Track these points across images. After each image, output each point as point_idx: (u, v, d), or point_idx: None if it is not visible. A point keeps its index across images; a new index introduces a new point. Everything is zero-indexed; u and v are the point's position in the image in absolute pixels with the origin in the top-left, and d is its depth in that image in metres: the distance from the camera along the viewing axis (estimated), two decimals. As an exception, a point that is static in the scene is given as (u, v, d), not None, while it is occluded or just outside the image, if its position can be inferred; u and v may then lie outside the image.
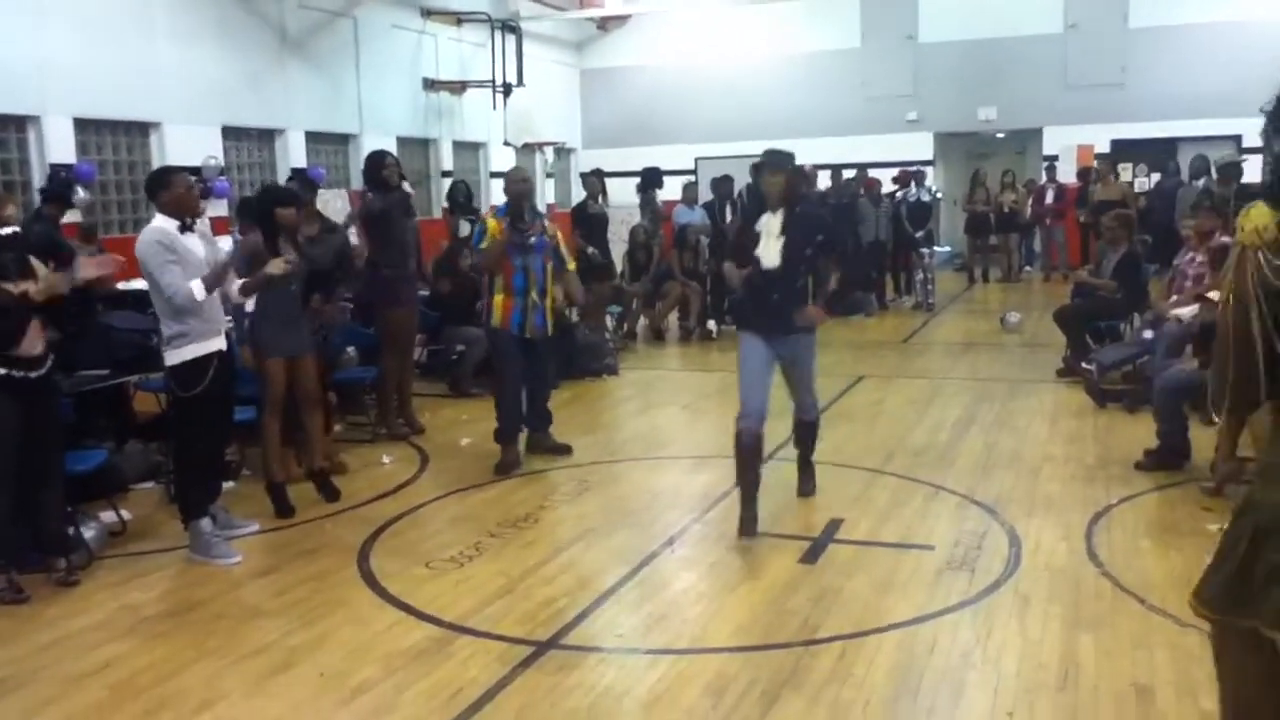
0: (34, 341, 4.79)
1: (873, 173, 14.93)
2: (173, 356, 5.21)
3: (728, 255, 6.02)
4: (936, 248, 14.97)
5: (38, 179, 10.35)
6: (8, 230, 4.81)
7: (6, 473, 4.75)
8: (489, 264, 6.71)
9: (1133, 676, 3.82)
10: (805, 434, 5.99)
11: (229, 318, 5.46)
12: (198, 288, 5.08)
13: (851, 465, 6.68)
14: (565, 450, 7.13)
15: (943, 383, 9.40)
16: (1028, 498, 5.92)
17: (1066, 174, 17.34)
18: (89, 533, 5.37)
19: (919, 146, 19.08)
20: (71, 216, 10.39)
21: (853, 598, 4.60)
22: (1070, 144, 18.17)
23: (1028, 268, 17.94)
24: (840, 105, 19.28)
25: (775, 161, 5.43)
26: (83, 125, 10.86)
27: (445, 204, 11.65)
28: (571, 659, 4.10)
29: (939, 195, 15.70)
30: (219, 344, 5.28)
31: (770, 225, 5.41)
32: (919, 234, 14.19)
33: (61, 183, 10.17)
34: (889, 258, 14.63)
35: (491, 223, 6.67)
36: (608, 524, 5.71)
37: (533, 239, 6.62)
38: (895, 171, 15.16)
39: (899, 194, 14.57)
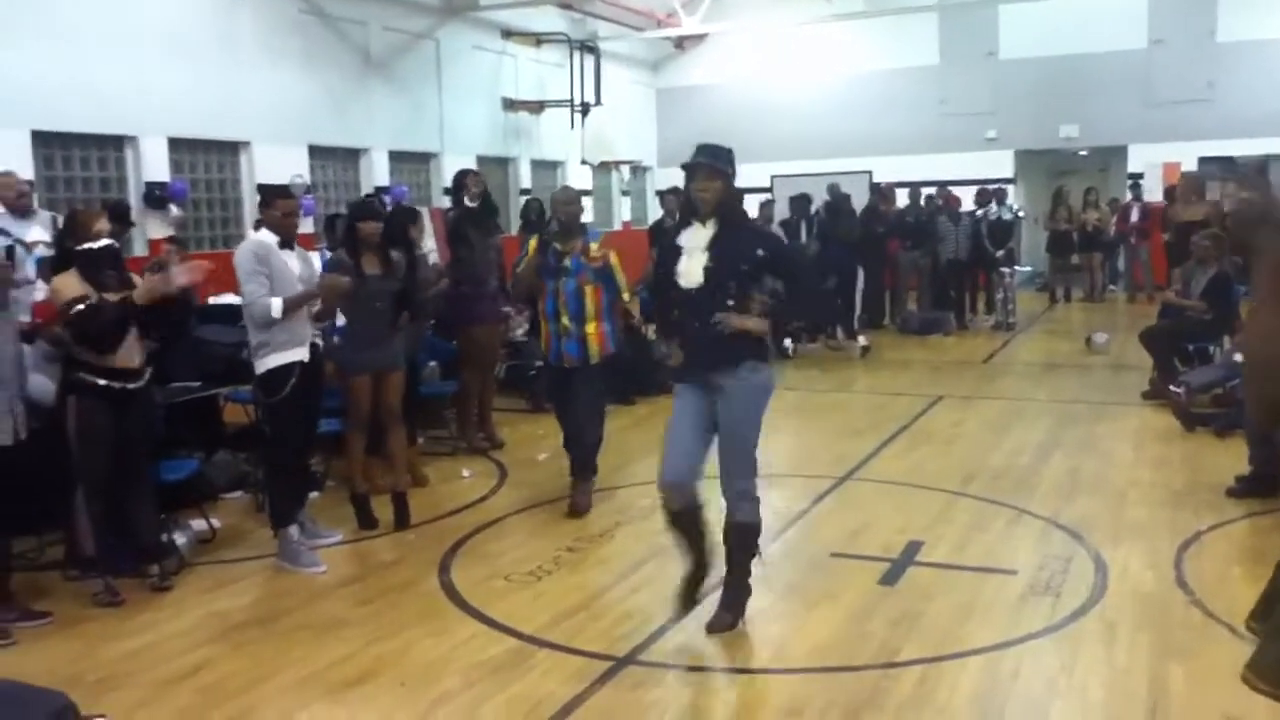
0: (131, 353, 4.95)
1: (954, 190, 14.77)
2: (259, 365, 5.39)
3: (653, 289, 5.38)
4: (1018, 266, 14.74)
5: (134, 196, 10.71)
6: (102, 243, 4.95)
7: (102, 480, 4.93)
8: (519, 287, 6.54)
9: (1224, 708, 3.71)
10: (734, 540, 4.47)
11: (317, 331, 5.59)
12: (276, 305, 5.22)
13: (930, 487, 6.60)
14: (577, 509, 6.26)
15: (1024, 404, 9.24)
16: (1113, 523, 5.79)
17: (1153, 192, 16.96)
18: (181, 540, 5.54)
19: (999, 164, 18.82)
20: (163, 230, 10.76)
21: (933, 621, 4.54)
22: (1156, 162, 17.78)
23: (1111, 287, 17.57)
24: (918, 122, 19.11)
25: (710, 161, 4.46)
26: (176, 145, 11.22)
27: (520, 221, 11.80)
28: (649, 675, 4.11)
29: (1021, 213, 15.47)
30: (301, 354, 5.40)
31: (697, 238, 4.41)
32: (1000, 252, 14.01)
33: (156, 200, 10.54)
34: (968, 276, 14.43)
35: (532, 243, 6.31)
36: (684, 541, 5.70)
37: (567, 261, 6.10)
38: (975, 189, 14.98)
39: (979, 212, 14.38)
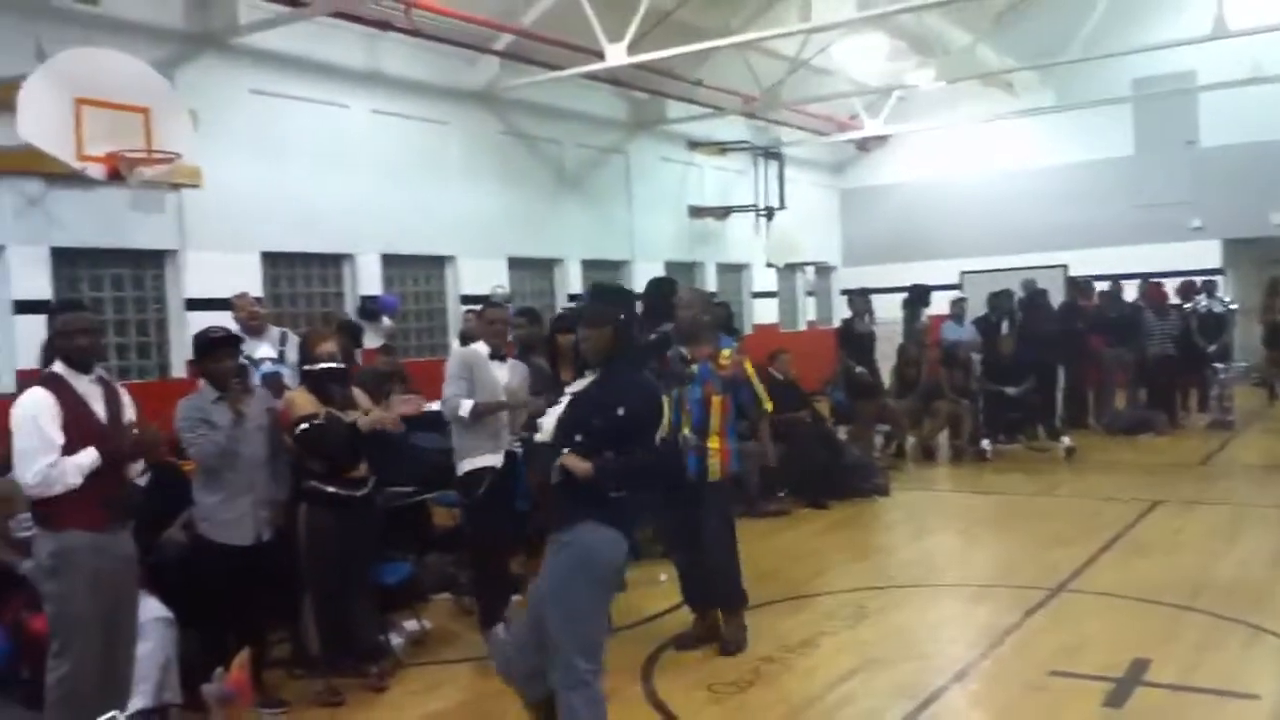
0: (357, 463, 5.25)
1: (1154, 282, 14.16)
2: (459, 468, 5.70)
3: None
4: (1232, 362, 13.91)
5: (350, 310, 11.43)
6: (323, 366, 5.29)
7: (329, 584, 5.19)
8: None
9: None
10: None
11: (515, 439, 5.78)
12: (466, 406, 5.53)
13: (1153, 600, 6.20)
14: (728, 648, 5.63)
15: (1250, 510, 8.63)
16: (1367, 644, 5.32)
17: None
18: (396, 641, 5.75)
19: (1204, 255, 17.90)
20: (376, 341, 11.41)
21: (1169, 748, 4.25)
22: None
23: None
24: (1114, 214, 18.43)
25: (595, 308, 4.30)
26: (388, 260, 11.95)
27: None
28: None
29: (1233, 305, 14.65)
30: (495, 460, 5.64)
31: (574, 388, 4.14)
32: (1212, 347, 13.26)
33: (368, 313, 11.21)
34: (1179, 373, 13.68)
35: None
36: (889, 654, 5.54)
37: (694, 368, 5.62)
38: (1179, 281, 14.32)
39: (1188, 305, 13.70)
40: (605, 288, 4.21)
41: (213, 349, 5.03)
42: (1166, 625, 5.78)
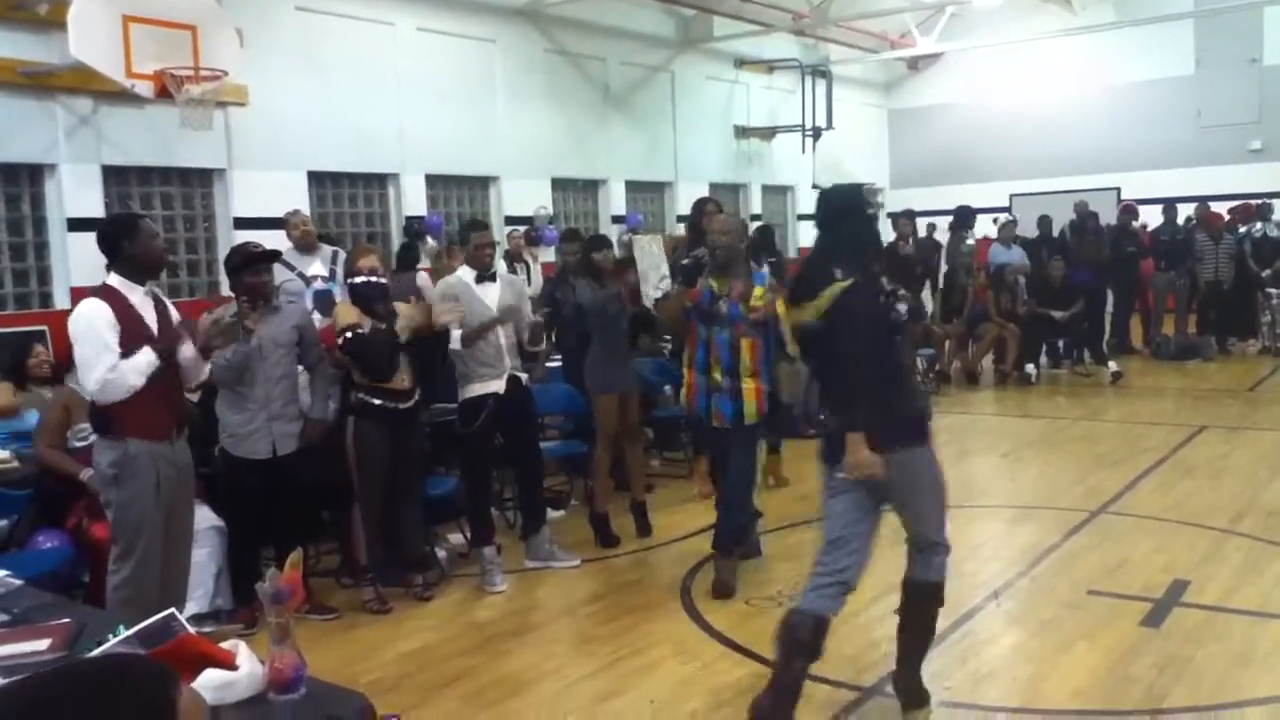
0: (403, 376, 5.34)
1: (1213, 206, 13.83)
2: (460, 394, 5.68)
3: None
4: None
5: (395, 230, 11.50)
6: (361, 279, 5.35)
7: (377, 496, 5.32)
8: (663, 324, 6.05)
9: None
10: None
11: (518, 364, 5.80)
12: (455, 338, 5.50)
13: (1195, 524, 6.19)
14: (718, 589, 5.38)
15: (1299, 436, 8.54)
16: None
17: None
18: (441, 553, 5.89)
19: (1266, 177, 17.43)
20: (421, 261, 11.48)
21: (1205, 668, 4.27)
22: None
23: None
24: (1171, 136, 17.99)
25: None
26: (433, 181, 11.97)
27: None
28: (896, 707, 4.05)
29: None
30: (497, 386, 5.62)
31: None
32: (1266, 272, 12.99)
33: (415, 233, 11.26)
34: (1231, 298, 13.43)
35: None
36: (928, 572, 5.58)
37: (723, 306, 5.27)
38: (1231, 205, 13.98)
39: (1243, 229, 13.40)
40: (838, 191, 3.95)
41: (248, 264, 5.02)
42: (1208, 548, 5.77)
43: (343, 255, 7.27)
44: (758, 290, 5.28)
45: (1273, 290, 13.01)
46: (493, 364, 5.62)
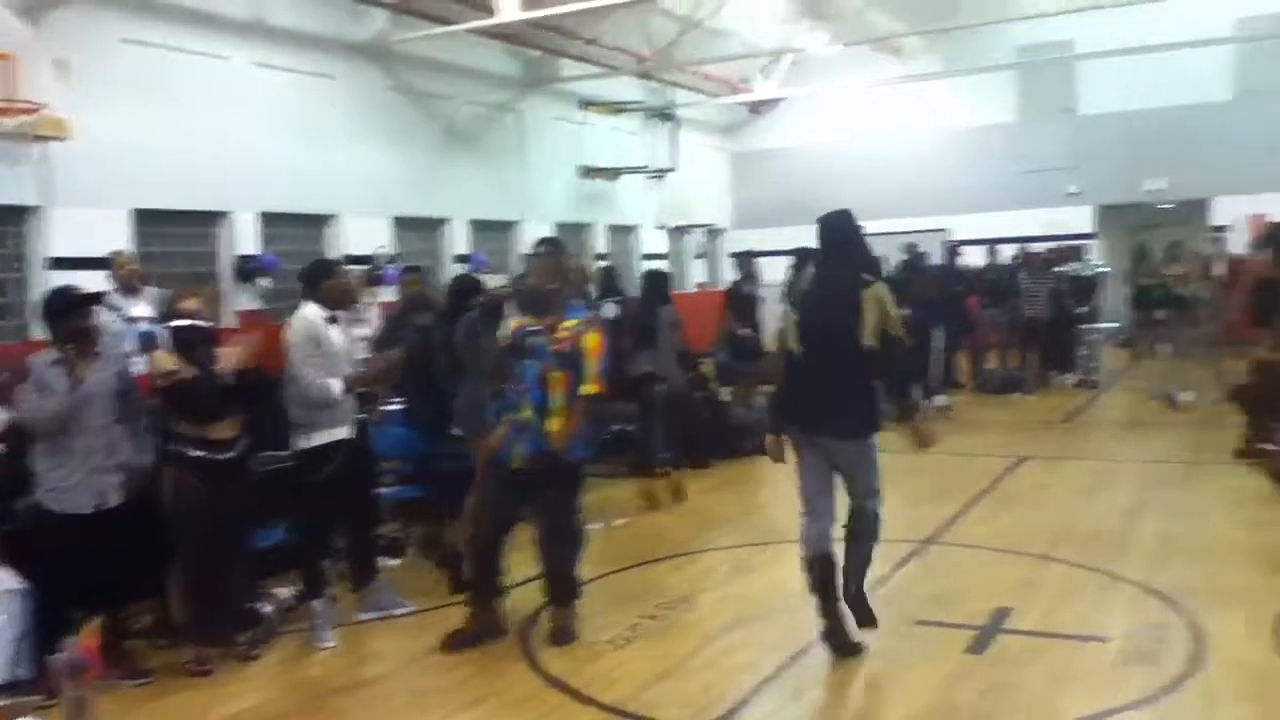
0: (225, 424, 5.11)
1: (1033, 247, 14.62)
2: (300, 442, 5.47)
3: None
4: (1100, 323, 14.46)
5: (226, 270, 11.09)
6: (185, 323, 5.14)
7: (195, 550, 5.06)
8: (492, 370, 5.42)
9: (1337, 787, 3.56)
10: None
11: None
12: (336, 386, 5.34)
13: (1017, 551, 6.45)
14: (560, 638, 5.23)
15: (1111, 465, 9.03)
16: (1210, 589, 5.60)
17: (1239, 245, 16.58)
18: (268, 609, 5.63)
19: (1080, 219, 18.57)
20: (254, 303, 11.12)
21: (1026, 691, 4.44)
22: (1241, 213, 17.40)
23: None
24: (997, 179, 18.97)
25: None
26: (267, 219, 11.61)
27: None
28: (734, 747, 4.07)
29: (1102, 269, 15.23)
30: (345, 432, 5.48)
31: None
32: (1081, 309, 13.76)
33: (247, 273, 10.91)
34: (1049, 334, 14.16)
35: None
36: (766, 608, 5.65)
37: (531, 340, 5.14)
38: (1051, 246, 14.82)
39: (1060, 269, 14.18)
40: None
41: (73, 308, 4.80)
42: (1028, 574, 6.02)
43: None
44: (568, 323, 5.16)
45: (1086, 326, 13.78)
46: (343, 410, 5.46)
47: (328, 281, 5.58)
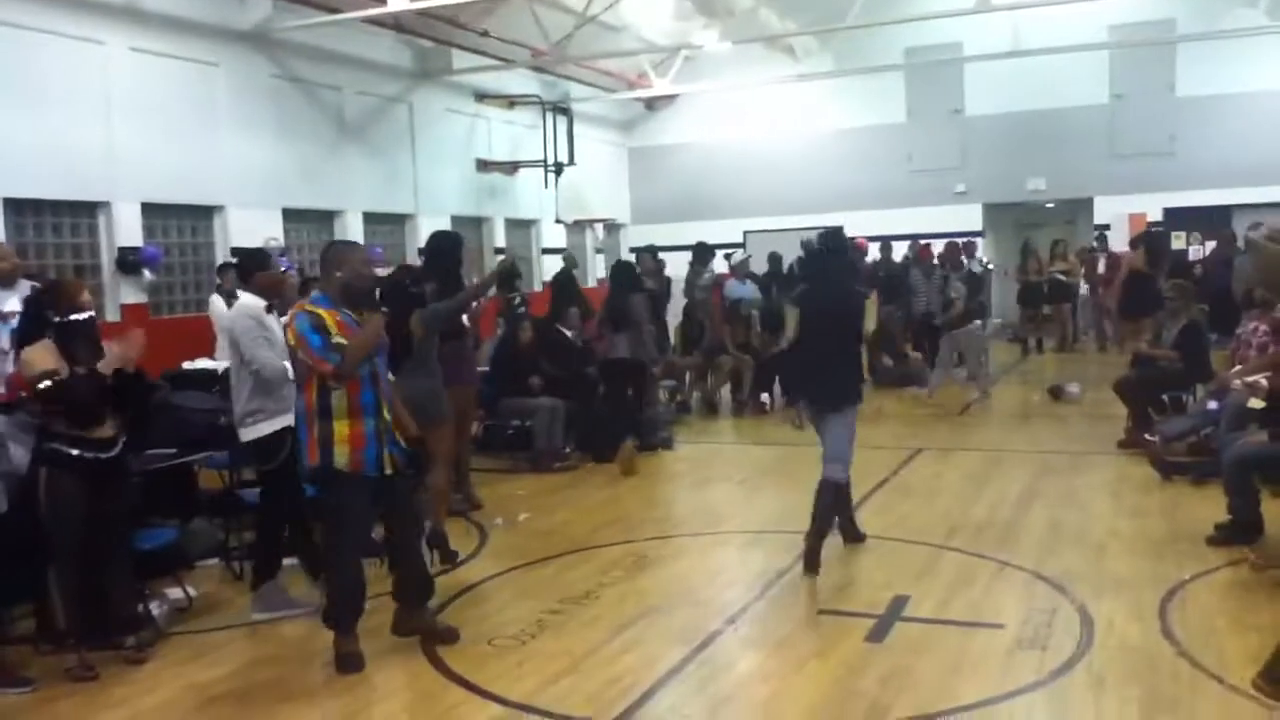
0: (104, 424, 4.88)
1: (924, 244, 14.94)
2: (249, 433, 5.45)
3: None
4: (989, 319, 14.86)
5: (107, 262, 10.66)
6: (84, 315, 4.91)
7: (75, 552, 4.83)
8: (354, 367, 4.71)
9: (1219, 761, 3.69)
10: None
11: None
12: (289, 367, 5.22)
13: (913, 540, 6.58)
14: (452, 637, 5.11)
15: (1001, 455, 9.27)
16: (1096, 574, 5.79)
17: (1119, 243, 17.24)
18: (156, 610, 5.43)
19: (968, 217, 19.08)
20: (136, 297, 10.71)
21: (923, 678, 4.51)
22: (1121, 213, 18.12)
23: (1084, 337, 17.75)
24: (887, 178, 19.39)
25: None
26: (149, 210, 11.19)
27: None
28: (639, 741, 4.05)
29: (990, 266, 15.64)
30: (290, 420, 5.35)
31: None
32: (971, 306, 14.09)
33: (129, 265, 10.50)
34: (940, 329, 14.49)
35: (325, 314, 4.70)
36: (668, 602, 5.66)
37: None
38: (943, 243, 15.15)
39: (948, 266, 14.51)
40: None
41: None
42: (924, 563, 6.13)
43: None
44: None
45: (977, 322, 14.11)
46: (286, 398, 5.35)
47: (260, 274, 5.69)
